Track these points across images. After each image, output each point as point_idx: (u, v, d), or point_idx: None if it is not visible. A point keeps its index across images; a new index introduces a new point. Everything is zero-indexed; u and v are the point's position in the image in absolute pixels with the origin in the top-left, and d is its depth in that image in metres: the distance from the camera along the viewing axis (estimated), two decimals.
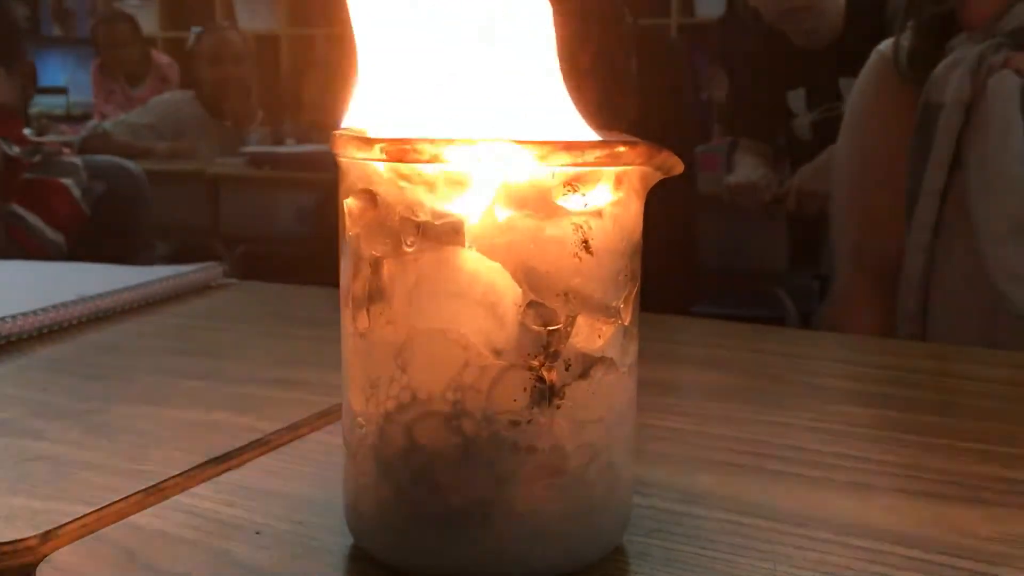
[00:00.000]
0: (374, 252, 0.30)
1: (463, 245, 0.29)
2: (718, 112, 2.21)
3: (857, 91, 1.02)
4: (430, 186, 0.29)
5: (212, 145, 2.77)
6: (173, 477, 0.39)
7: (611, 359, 0.31)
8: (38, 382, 0.54)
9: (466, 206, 0.29)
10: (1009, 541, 0.35)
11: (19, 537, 0.34)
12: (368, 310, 0.31)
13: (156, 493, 0.38)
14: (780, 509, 0.37)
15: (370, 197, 0.30)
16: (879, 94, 0.98)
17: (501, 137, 0.29)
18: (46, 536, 0.34)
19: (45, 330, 0.64)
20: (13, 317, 0.62)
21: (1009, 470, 0.41)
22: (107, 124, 2.77)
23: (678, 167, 0.32)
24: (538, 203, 0.29)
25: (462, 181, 0.29)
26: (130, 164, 1.56)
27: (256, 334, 0.66)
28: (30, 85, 1.52)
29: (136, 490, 0.38)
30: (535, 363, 0.30)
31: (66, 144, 2.63)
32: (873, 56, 1.00)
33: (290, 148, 2.28)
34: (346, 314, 0.32)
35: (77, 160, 1.42)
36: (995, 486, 0.39)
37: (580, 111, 0.32)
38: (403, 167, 0.29)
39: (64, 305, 0.66)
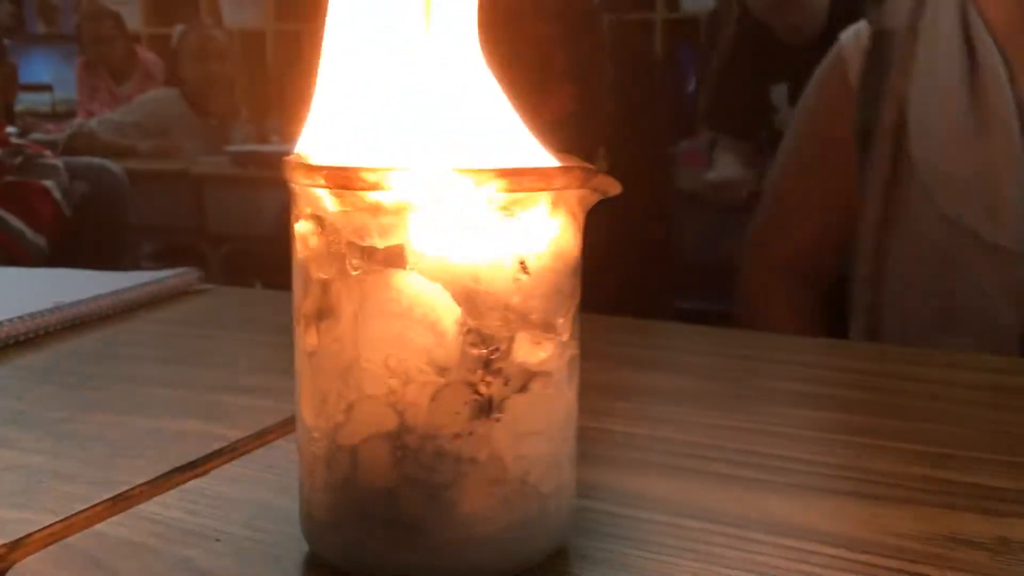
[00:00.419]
0: (322, 275, 0.32)
1: (405, 268, 0.31)
2: (701, 109, 2.24)
3: (813, 81, 1.03)
4: (373, 212, 0.31)
5: (197, 143, 2.78)
6: (139, 486, 0.41)
7: (550, 373, 0.33)
8: (13, 390, 0.55)
9: (408, 231, 0.31)
10: (934, 540, 0.36)
11: None
12: (317, 328, 0.33)
13: (123, 502, 0.40)
14: (720, 511, 0.38)
15: (318, 221, 0.32)
16: (829, 90, 0.99)
17: (438, 164, 0.30)
18: (14, 545, 0.36)
19: (21, 338, 0.65)
20: None
21: (940, 470, 0.42)
22: (92, 123, 2.78)
23: (614, 189, 0.34)
24: (477, 227, 0.31)
25: (403, 207, 0.31)
26: (112, 165, 1.57)
27: (231, 341, 0.67)
28: (12, 86, 1.53)
29: (103, 499, 0.40)
30: (475, 379, 0.31)
31: (51, 144, 2.64)
32: (833, 49, 1.00)
33: (274, 147, 2.29)
34: (298, 331, 0.34)
35: (58, 162, 1.43)
36: (926, 486, 0.41)
37: (529, 130, 0.34)
38: (347, 193, 0.31)
39: (40, 313, 0.68)
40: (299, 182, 0.32)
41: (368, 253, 0.31)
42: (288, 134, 2.69)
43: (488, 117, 0.33)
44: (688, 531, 0.37)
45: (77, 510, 0.39)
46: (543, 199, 0.32)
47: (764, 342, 0.68)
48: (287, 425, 0.48)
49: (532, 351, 0.33)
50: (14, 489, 0.41)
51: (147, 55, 3.90)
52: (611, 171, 0.94)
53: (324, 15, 0.34)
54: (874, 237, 0.87)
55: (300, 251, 0.33)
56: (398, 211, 0.31)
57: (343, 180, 0.31)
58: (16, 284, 0.85)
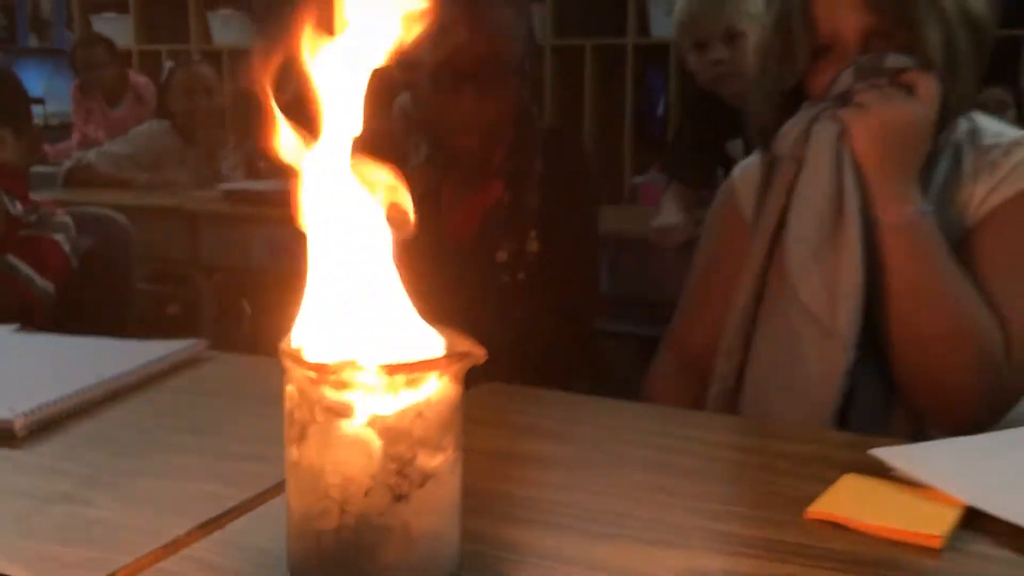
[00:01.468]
0: (300, 417, 0.54)
1: (351, 418, 0.53)
2: (662, 152, 2.47)
3: (711, 209, 1.24)
4: (332, 385, 0.53)
5: (189, 172, 2.99)
6: (179, 537, 0.62)
7: (439, 474, 0.55)
8: (82, 457, 0.77)
9: (352, 397, 0.52)
10: (689, 573, 0.58)
11: None
12: (297, 448, 0.54)
13: (168, 548, 0.61)
14: (563, 554, 0.60)
15: (299, 387, 0.54)
16: (722, 214, 1.20)
17: (363, 362, 0.52)
18: None
19: (76, 409, 0.87)
20: (54, 402, 0.85)
21: (711, 521, 0.64)
22: (91, 155, 2.98)
23: (480, 358, 0.56)
24: (391, 393, 0.53)
25: (349, 383, 0.52)
26: (118, 216, 1.77)
27: (234, 411, 0.89)
28: (35, 148, 1.73)
29: (156, 547, 0.61)
30: (391, 482, 0.53)
31: (52, 176, 2.84)
32: (725, 183, 1.22)
33: (263, 185, 2.49)
34: (287, 447, 0.56)
35: (68, 219, 1.63)
36: (692, 534, 0.63)
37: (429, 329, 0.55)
38: (315, 376, 0.53)
39: (88, 388, 0.89)
40: (289, 364, 0.54)
41: (328, 409, 0.53)
42: (275, 166, 2.89)
43: (403, 327, 0.55)
44: (542, 569, 0.58)
45: (141, 554, 0.60)
46: (433, 374, 0.54)
47: (627, 411, 0.89)
48: (279, 488, 0.69)
49: (427, 462, 0.54)
50: (100, 538, 0.62)
51: (138, 78, 4.09)
52: (541, 255, 1.19)
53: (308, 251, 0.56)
54: (740, 317, 1.08)
55: (287, 401, 0.55)
56: (346, 385, 0.52)
57: (313, 368, 0.52)
58: (59, 353, 1.06)
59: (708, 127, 2.16)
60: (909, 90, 1.00)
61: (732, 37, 1.99)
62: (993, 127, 1.10)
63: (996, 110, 3.32)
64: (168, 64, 3.32)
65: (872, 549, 0.62)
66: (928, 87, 1.00)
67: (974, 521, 0.65)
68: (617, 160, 4.58)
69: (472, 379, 0.57)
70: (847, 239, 1.00)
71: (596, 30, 4.48)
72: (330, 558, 0.54)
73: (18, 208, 1.61)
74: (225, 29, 5.23)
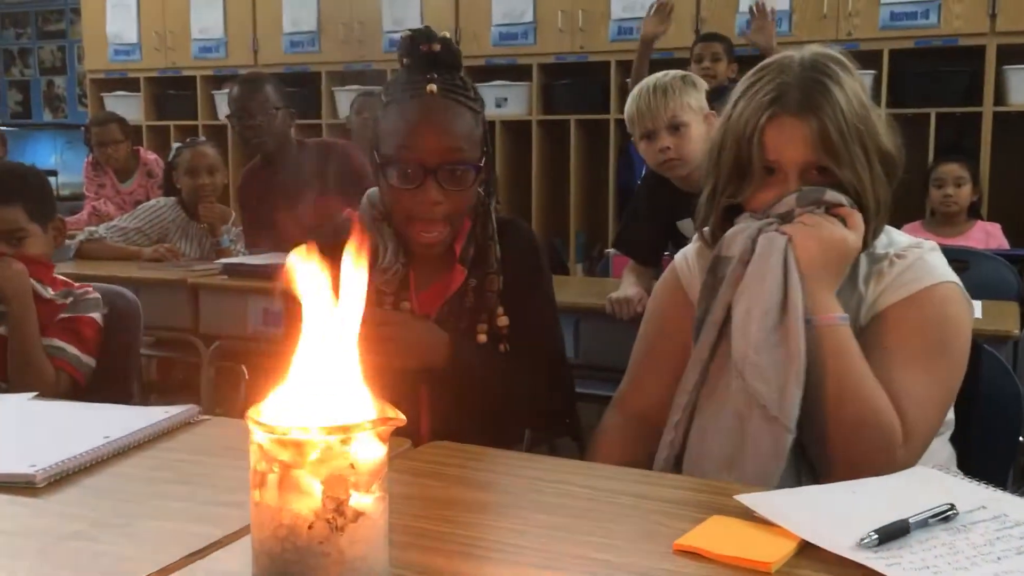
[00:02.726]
0: (260, 469, 0.71)
1: (300, 468, 0.69)
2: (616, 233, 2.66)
3: (655, 288, 1.42)
4: (284, 445, 0.69)
5: (192, 245, 3.19)
6: (171, 564, 0.79)
7: (369, 511, 0.71)
8: (90, 505, 0.93)
9: (301, 454, 0.69)
10: None
11: None
12: (259, 492, 0.71)
13: (161, 573, 0.77)
14: (468, 574, 0.76)
15: (260, 448, 0.71)
16: (666, 293, 1.39)
17: (308, 424, 0.69)
18: None
19: (87, 464, 1.03)
20: (69, 459, 1.01)
21: (592, 551, 0.80)
22: (101, 229, 3.18)
23: (400, 423, 0.73)
24: (331, 451, 0.69)
25: (298, 444, 0.69)
26: (127, 292, 1.95)
27: (216, 465, 1.05)
28: (61, 237, 1.91)
29: (152, 571, 0.77)
30: (330, 517, 0.70)
31: (66, 250, 3.03)
32: (669, 266, 1.40)
33: (259, 260, 2.68)
34: (251, 492, 0.72)
35: (98, 295, 1.81)
36: (576, 561, 0.79)
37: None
38: (275, 437, 0.70)
39: (98, 448, 1.05)
40: (252, 425, 0.71)
41: (280, 461, 0.70)
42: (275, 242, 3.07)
43: (342, 397, 0.71)
44: None
45: None
46: (364, 433, 0.71)
47: (550, 465, 1.05)
48: (248, 528, 0.85)
49: (359, 502, 0.71)
50: (107, 567, 0.79)
51: (148, 155, 4.33)
52: (509, 334, 1.38)
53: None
54: (687, 397, 1.24)
55: (252, 455, 0.72)
56: (296, 446, 0.69)
57: (269, 429, 0.69)
58: (71, 418, 1.23)
59: (660, 206, 2.34)
60: (843, 221, 1.19)
61: (676, 127, 2.19)
62: (884, 236, 1.28)
63: (954, 184, 3.53)
64: (176, 145, 3.56)
65: (718, 572, 0.78)
66: (857, 221, 1.20)
67: (810, 551, 0.81)
68: (602, 230, 4.80)
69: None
70: (793, 332, 1.16)
71: (581, 106, 4.73)
72: None
73: (50, 292, 1.80)
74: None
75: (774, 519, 0.85)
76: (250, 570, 0.74)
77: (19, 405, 1.27)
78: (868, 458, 1.13)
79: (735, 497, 0.90)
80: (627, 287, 2.23)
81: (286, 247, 0.75)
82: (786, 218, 1.22)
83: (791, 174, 1.23)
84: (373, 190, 1.47)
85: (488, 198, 1.46)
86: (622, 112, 4.55)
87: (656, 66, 2.96)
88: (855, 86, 1.24)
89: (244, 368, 2.96)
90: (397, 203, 1.39)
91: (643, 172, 4.41)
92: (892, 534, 0.81)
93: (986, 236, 3.48)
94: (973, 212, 3.61)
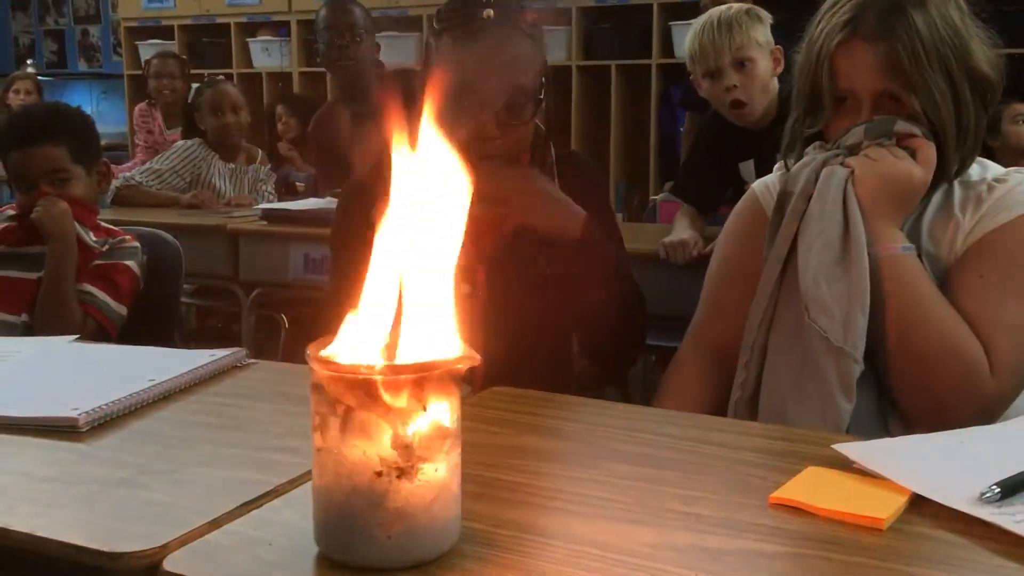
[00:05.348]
0: (322, 411, 0.64)
1: (363, 410, 0.63)
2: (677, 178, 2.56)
3: (732, 213, 1.35)
4: (348, 383, 0.63)
5: (226, 183, 3.15)
6: (224, 514, 0.73)
7: (441, 460, 0.64)
8: (136, 450, 0.87)
9: (365, 396, 0.62)
10: (659, 547, 0.67)
11: (149, 547, 0.68)
12: (321, 436, 0.64)
13: (213, 524, 0.71)
14: (552, 531, 0.69)
15: (320, 387, 0.64)
16: (745, 219, 1.31)
17: (376, 363, 0.62)
18: (163, 547, 0.68)
19: (132, 408, 0.98)
20: (112, 402, 0.96)
21: (683, 505, 0.73)
22: (135, 174, 3.13)
23: (476, 362, 0.65)
24: (400, 389, 0.63)
25: (369, 384, 0.62)
26: (168, 236, 1.90)
27: (267, 411, 0.99)
28: (105, 181, 1.86)
29: (205, 521, 0.71)
30: (398, 463, 0.63)
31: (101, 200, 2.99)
32: (748, 191, 1.32)
33: (299, 205, 2.62)
34: (312, 436, 0.66)
35: (137, 244, 1.76)
36: (665, 515, 0.72)
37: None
38: (339, 376, 0.63)
39: (143, 391, 1.00)
40: (314, 364, 0.64)
41: (344, 402, 0.63)
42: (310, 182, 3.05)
43: (416, 333, 0.64)
44: (532, 543, 0.68)
45: (192, 528, 0.70)
46: (438, 372, 0.63)
47: (619, 411, 0.98)
48: (306, 476, 0.79)
49: (430, 448, 0.64)
50: (156, 515, 0.73)
51: None
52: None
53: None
54: (755, 336, 1.18)
55: (312, 396, 0.65)
56: (362, 386, 0.62)
57: (334, 368, 0.63)
58: (115, 360, 1.17)
59: (722, 149, 2.24)
60: (912, 154, 1.13)
61: (742, 64, 2.08)
62: (977, 165, 1.21)
63: (1017, 122, 3.38)
64: (195, 85, 3.52)
65: (822, 529, 0.70)
66: (928, 155, 1.13)
67: (922, 506, 0.73)
68: (642, 178, 4.68)
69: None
70: (855, 263, 1.12)
71: (622, 51, 4.58)
72: (347, 530, 0.64)
73: (91, 238, 1.75)
74: (264, 55, 5.42)
75: (879, 470, 0.77)
76: (310, 521, 0.68)
77: (59, 348, 1.22)
78: (949, 390, 1.09)
79: (833, 447, 0.82)
80: (681, 231, 2.14)
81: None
82: (853, 150, 1.16)
83: (863, 103, 1.17)
84: None
85: (548, 131, 1.38)
86: (664, 57, 4.49)
87: None
88: (944, 6, 1.15)
89: (283, 317, 2.92)
90: (450, 137, 1.31)
91: (684, 119, 4.35)
92: (1015, 487, 0.73)
93: None
94: None
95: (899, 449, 0.84)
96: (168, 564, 0.66)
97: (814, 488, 0.76)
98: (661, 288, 2.13)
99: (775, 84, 2.14)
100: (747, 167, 2.24)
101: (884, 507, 0.72)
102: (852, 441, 0.85)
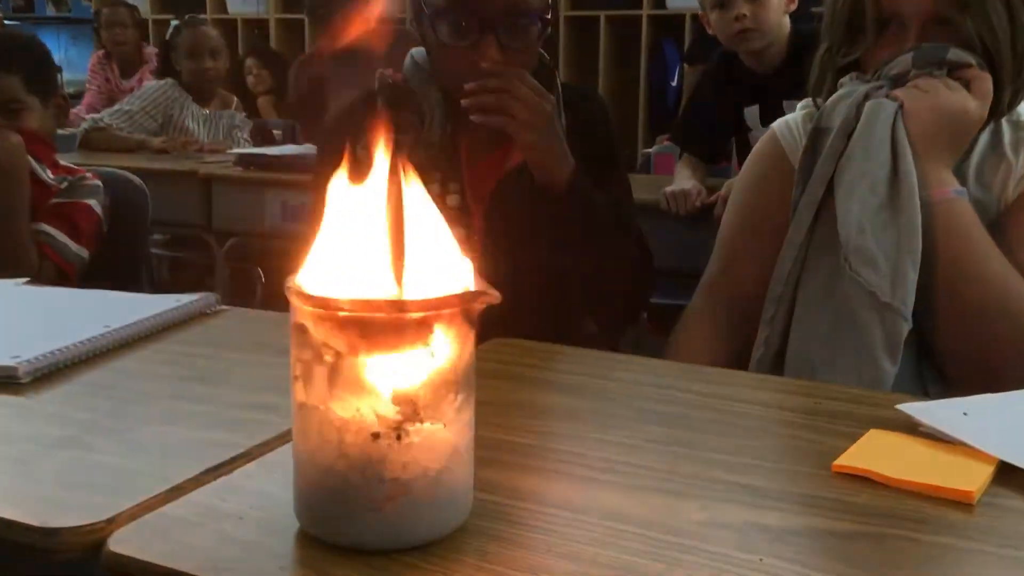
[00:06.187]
0: (305, 358, 0.52)
1: (357, 356, 0.50)
2: (674, 125, 2.44)
3: (750, 156, 1.22)
4: (338, 322, 0.50)
5: (199, 127, 2.99)
6: (187, 481, 0.61)
7: (452, 418, 0.53)
8: (85, 405, 0.75)
9: (358, 337, 0.50)
10: (710, 525, 0.56)
11: (91, 521, 0.56)
12: (304, 389, 0.52)
13: (175, 492, 0.60)
14: (573, 503, 0.58)
15: (303, 329, 0.52)
16: (764, 162, 1.18)
17: (372, 298, 0.49)
18: (109, 520, 0.56)
19: (82, 358, 0.85)
20: (60, 350, 0.83)
21: (726, 473, 0.62)
22: (104, 116, 2.97)
23: (495, 299, 0.53)
24: (400, 331, 0.50)
25: (356, 320, 0.50)
26: (133, 177, 1.75)
27: (241, 362, 0.87)
28: (63, 115, 1.71)
29: (163, 490, 0.59)
30: (398, 423, 0.51)
31: (68, 139, 2.84)
32: (767, 131, 1.20)
33: (275, 150, 2.48)
34: (294, 387, 0.53)
35: (98, 183, 1.61)
36: (712, 486, 0.61)
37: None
38: (323, 313, 0.50)
39: (96, 338, 0.87)
40: (295, 300, 0.52)
41: (333, 347, 0.51)
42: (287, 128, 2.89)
43: (420, 264, 0.52)
44: (558, 518, 0.56)
45: (147, 497, 0.58)
46: (448, 311, 0.51)
47: (639, 365, 0.87)
48: (285, 437, 0.67)
49: (439, 403, 0.52)
50: (103, 482, 0.61)
51: (152, 51, 4.08)
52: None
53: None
54: (782, 288, 1.06)
55: (293, 339, 0.53)
56: (355, 326, 0.50)
57: (319, 303, 0.50)
58: (68, 305, 1.04)
59: (727, 91, 2.13)
60: (966, 85, 1.01)
61: None
62: None
63: None
64: (174, 23, 3.34)
65: (900, 503, 0.59)
66: (984, 87, 1.01)
67: (1009, 476, 0.63)
68: (631, 131, 4.54)
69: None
70: (906, 208, 0.99)
71: (611, 1, 4.42)
72: (334, 503, 0.52)
73: (48, 175, 1.60)
74: (240, 2, 5.20)
75: (957, 435, 0.67)
76: (289, 491, 0.56)
77: (6, 290, 1.09)
78: (1005, 353, 0.98)
79: (898, 407, 0.71)
80: (682, 180, 2.02)
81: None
82: (899, 80, 1.04)
83: (910, 27, 1.04)
84: (419, 49, 1.25)
85: (552, 60, 1.24)
86: (655, 8, 4.33)
87: None
88: None
89: (260, 270, 2.79)
90: (447, 62, 1.18)
91: (677, 71, 4.21)
92: None
93: None
94: None
95: (970, 411, 0.73)
96: (114, 543, 0.54)
97: (881, 455, 0.65)
98: (661, 240, 2.02)
99: (787, 22, 2.02)
100: (752, 113, 2.12)
101: (970, 478, 0.61)
102: (918, 401, 0.73)
